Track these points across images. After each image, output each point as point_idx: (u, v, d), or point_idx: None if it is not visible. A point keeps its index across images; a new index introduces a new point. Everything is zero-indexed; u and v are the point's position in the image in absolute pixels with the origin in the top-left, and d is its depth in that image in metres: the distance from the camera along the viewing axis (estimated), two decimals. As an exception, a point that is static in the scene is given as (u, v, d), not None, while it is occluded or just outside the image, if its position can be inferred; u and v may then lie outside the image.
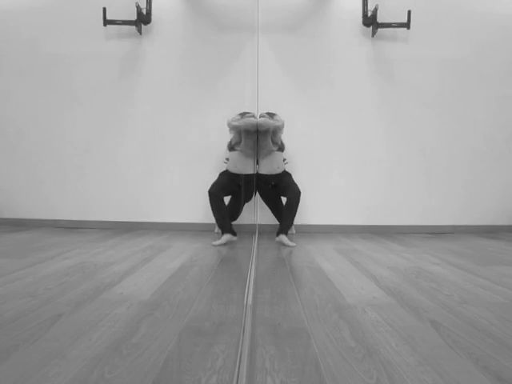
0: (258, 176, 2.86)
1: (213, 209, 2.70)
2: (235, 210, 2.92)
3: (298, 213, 2.84)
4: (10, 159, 3.46)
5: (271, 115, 2.89)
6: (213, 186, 2.76)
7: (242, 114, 2.84)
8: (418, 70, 3.36)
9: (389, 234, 3.26)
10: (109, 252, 2.28)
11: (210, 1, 3.42)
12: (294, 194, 2.75)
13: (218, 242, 2.57)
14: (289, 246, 2.58)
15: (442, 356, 0.96)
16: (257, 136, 2.82)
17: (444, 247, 2.65)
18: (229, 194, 2.88)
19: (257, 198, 3.09)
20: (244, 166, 2.78)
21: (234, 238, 2.68)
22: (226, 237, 2.61)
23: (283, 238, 2.63)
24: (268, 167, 2.83)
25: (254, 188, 2.91)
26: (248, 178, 2.82)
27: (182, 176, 3.37)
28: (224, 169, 2.91)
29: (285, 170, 2.90)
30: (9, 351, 0.94)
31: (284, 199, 2.90)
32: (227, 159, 2.94)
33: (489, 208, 3.46)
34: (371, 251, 2.46)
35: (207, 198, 2.73)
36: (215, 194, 2.70)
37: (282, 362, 0.92)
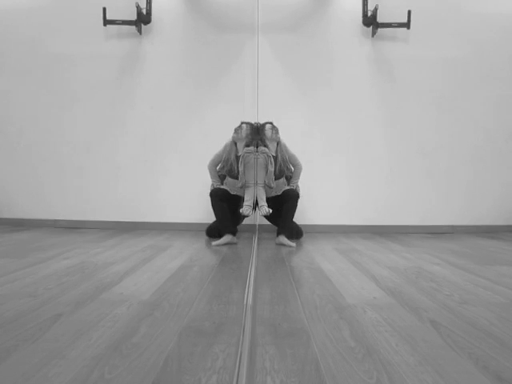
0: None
1: (214, 209, 2.68)
2: (235, 220, 2.87)
3: (298, 213, 2.83)
4: (10, 159, 3.46)
5: (265, 125, 2.84)
6: (215, 188, 2.77)
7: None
8: (418, 70, 3.36)
9: (389, 233, 3.26)
10: (109, 252, 2.28)
11: (210, 1, 3.42)
12: (292, 197, 2.71)
13: (217, 242, 2.57)
14: (290, 246, 2.58)
15: (442, 356, 0.96)
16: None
17: (444, 247, 2.65)
18: (227, 201, 2.78)
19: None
20: (242, 191, 2.77)
21: (235, 240, 2.66)
22: (227, 238, 2.60)
23: (283, 238, 2.63)
24: (268, 193, 2.79)
25: (254, 203, 2.87)
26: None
27: (182, 176, 3.37)
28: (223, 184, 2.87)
29: (285, 190, 2.82)
30: (9, 351, 0.94)
31: None
32: (223, 176, 2.87)
33: (488, 208, 3.45)
34: (371, 251, 2.46)
35: (207, 198, 2.73)
36: (217, 195, 2.69)
37: (281, 362, 0.92)
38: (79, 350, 0.95)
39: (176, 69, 3.40)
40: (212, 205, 2.69)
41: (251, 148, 2.71)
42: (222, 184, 2.86)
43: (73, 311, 1.24)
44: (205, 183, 2.94)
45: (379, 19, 3.26)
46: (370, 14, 3.25)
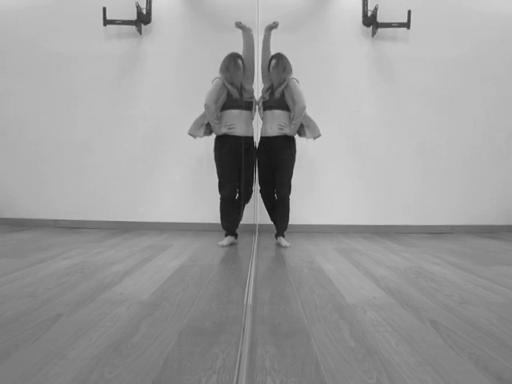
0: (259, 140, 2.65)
1: (222, 212, 2.62)
2: (247, 190, 2.71)
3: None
4: (11, 159, 3.46)
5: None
6: (220, 185, 2.60)
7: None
8: (417, 70, 3.36)
9: (389, 233, 3.26)
10: (109, 252, 2.28)
11: (210, 1, 3.42)
12: (283, 197, 2.62)
13: (222, 243, 2.60)
14: (286, 246, 2.59)
15: (442, 356, 0.96)
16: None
17: (443, 247, 2.65)
18: (237, 167, 2.58)
19: (257, 199, 3.08)
20: (246, 128, 2.56)
21: (236, 241, 2.71)
22: (229, 239, 2.64)
23: (280, 239, 2.68)
24: (267, 128, 2.59)
25: (254, 177, 2.78)
26: (248, 141, 2.59)
27: (182, 176, 3.37)
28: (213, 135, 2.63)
29: (287, 135, 2.57)
30: (9, 351, 0.94)
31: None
32: (217, 119, 2.58)
33: (488, 208, 3.45)
34: (371, 251, 2.46)
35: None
36: (226, 196, 2.59)
37: (281, 362, 0.92)
38: (79, 350, 0.95)
39: (176, 68, 3.39)
40: (220, 208, 2.62)
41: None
42: (210, 133, 2.63)
43: (73, 311, 1.24)
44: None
45: (379, 19, 3.26)
46: (370, 14, 3.25)
